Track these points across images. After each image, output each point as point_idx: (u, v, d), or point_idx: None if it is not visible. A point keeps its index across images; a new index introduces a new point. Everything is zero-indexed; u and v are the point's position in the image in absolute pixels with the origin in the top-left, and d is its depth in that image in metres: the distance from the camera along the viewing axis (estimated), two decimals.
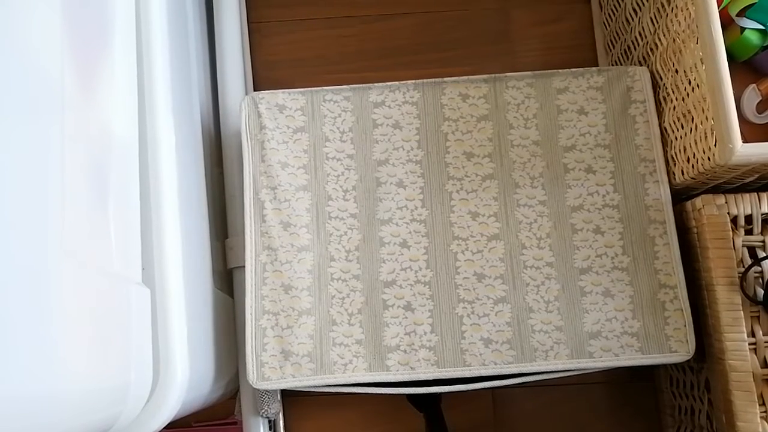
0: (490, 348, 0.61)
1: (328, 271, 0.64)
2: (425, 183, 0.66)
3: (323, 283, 0.64)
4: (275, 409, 0.70)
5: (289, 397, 0.78)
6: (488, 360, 0.61)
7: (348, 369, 0.61)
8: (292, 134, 0.67)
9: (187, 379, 0.53)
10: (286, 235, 0.64)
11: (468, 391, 0.62)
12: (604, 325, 0.62)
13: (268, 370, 0.61)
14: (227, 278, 0.74)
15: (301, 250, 0.64)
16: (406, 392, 0.65)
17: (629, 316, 0.62)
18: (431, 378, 0.61)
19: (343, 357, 0.62)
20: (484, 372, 0.61)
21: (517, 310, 0.62)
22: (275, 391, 0.71)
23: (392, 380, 0.61)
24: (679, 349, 0.60)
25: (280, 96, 0.68)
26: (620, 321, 0.62)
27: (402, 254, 0.64)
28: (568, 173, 0.66)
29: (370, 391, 0.62)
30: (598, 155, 0.66)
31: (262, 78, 0.87)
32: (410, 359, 0.61)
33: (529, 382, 0.62)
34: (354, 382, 0.61)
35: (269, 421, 0.73)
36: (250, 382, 0.61)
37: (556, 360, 0.61)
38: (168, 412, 0.51)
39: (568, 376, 0.63)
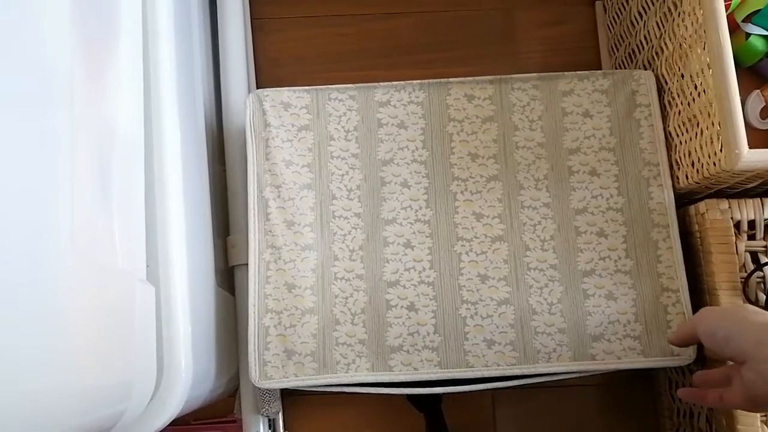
0: (492, 349, 0.61)
1: (331, 270, 0.64)
2: (430, 183, 0.66)
3: (327, 282, 0.63)
4: (276, 408, 0.70)
5: (289, 396, 0.78)
6: (491, 361, 0.61)
7: (351, 369, 0.61)
8: (297, 132, 0.67)
9: (190, 376, 0.53)
10: (290, 233, 0.64)
11: (468, 391, 0.62)
12: (607, 328, 0.62)
13: (271, 369, 0.61)
14: (228, 276, 0.74)
15: (305, 248, 0.64)
16: (408, 392, 0.65)
17: (632, 319, 0.62)
18: (434, 379, 0.61)
19: (346, 357, 0.61)
20: (486, 373, 0.61)
21: (520, 311, 0.62)
22: (276, 390, 0.71)
23: (395, 380, 0.61)
24: (682, 352, 0.60)
25: (285, 93, 0.68)
26: (623, 324, 0.62)
27: (406, 254, 0.64)
28: (573, 176, 0.66)
29: (371, 391, 0.62)
30: (602, 158, 0.66)
31: (265, 75, 0.86)
32: (413, 360, 0.61)
33: (529, 383, 0.62)
34: (357, 381, 0.61)
35: (269, 420, 0.73)
36: (253, 381, 0.61)
37: (559, 362, 0.61)
38: (172, 409, 0.50)
39: (569, 378, 0.63)
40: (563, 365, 0.61)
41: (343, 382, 0.61)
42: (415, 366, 0.61)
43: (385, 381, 0.61)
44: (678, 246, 0.63)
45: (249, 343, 0.61)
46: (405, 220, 0.65)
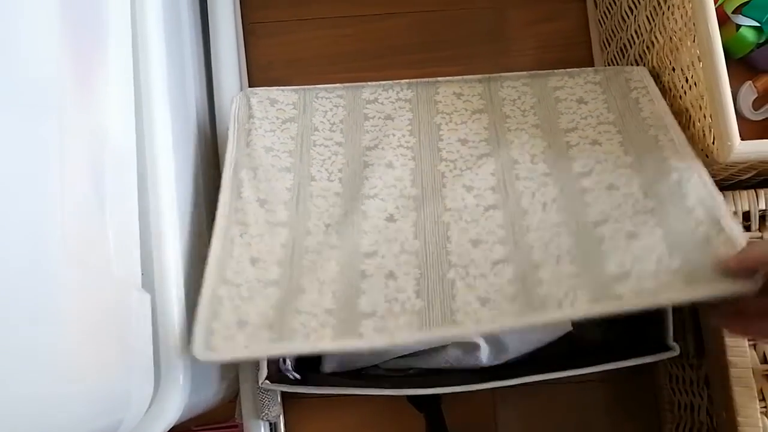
0: (487, 306, 0.51)
1: (303, 245, 0.57)
2: (416, 165, 0.62)
3: (297, 256, 0.56)
4: (276, 411, 0.70)
5: (290, 399, 0.78)
6: (484, 317, 0.51)
7: (311, 338, 0.50)
8: (281, 124, 0.66)
9: (188, 383, 0.52)
10: (261, 211, 0.58)
11: (468, 391, 0.61)
12: (633, 266, 0.50)
13: (218, 339, 0.50)
14: None
15: (276, 225, 0.58)
16: (407, 393, 0.64)
17: (665, 255, 0.50)
18: (412, 342, 0.54)
19: (306, 326, 0.51)
20: (480, 329, 0.53)
21: (522, 266, 0.53)
22: (275, 393, 0.71)
23: (364, 347, 0.53)
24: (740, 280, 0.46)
25: (274, 92, 0.68)
26: (654, 261, 0.50)
27: (387, 228, 0.58)
28: (572, 149, 0.61)
29: (370, 393, 0.61)
30: (603, 130, 0.62)
31: (259, 79, 0.86)
32: (388, 325, 0.51)
33: (530, 382, 0.61)
34: (318, 350, 0.54)
35: (270, 424, 0.73)
36: (194, 354, 0.49)
37: (573, 307, 0.49)
38: (170, 417, 0.50)
39: (569, 376, 0.62)
40: (580, 309, 0.49)
41: (303, 351, 0.53)
42: (390, 331, 0.51)
43: (352, 348, 0.54)
44: (708, 180, 0.54)
45: (198, 314, 0.51)
46: (388, 196, 0.60)
